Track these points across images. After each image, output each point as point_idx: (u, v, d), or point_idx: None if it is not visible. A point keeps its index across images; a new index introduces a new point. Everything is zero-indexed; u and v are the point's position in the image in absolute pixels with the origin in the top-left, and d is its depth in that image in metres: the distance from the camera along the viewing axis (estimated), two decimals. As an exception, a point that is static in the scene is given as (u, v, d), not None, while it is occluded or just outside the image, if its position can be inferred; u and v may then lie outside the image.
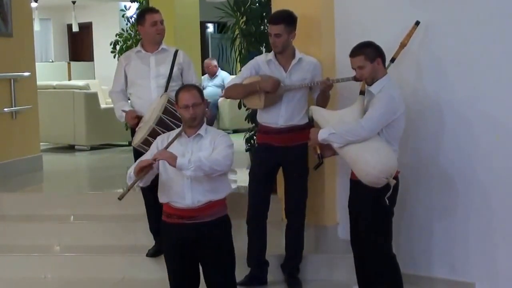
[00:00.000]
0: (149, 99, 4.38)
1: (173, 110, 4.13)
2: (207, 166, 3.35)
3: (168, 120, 4.12)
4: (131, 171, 3.44)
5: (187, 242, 3.47)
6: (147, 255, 4.65)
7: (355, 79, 3.96)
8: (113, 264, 4.73)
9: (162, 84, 4.43)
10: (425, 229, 4.38)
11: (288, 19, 4.13)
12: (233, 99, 4.57)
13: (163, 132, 4.06)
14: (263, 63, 4.25)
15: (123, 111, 4.46)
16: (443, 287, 4.32)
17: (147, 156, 3.52)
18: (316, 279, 4.48)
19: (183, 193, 3.44)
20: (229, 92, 4.29)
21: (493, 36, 4.03)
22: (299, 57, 4.21)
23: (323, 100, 4.22)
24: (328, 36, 4.65)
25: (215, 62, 10.23)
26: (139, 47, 4.57)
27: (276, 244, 4.40)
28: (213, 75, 10.04)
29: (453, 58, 4.16)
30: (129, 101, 4.63)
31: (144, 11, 4.57)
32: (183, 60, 4.55)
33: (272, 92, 4.09)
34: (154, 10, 4.52)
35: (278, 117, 4.21)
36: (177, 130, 3.62)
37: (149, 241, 4.68)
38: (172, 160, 3.32)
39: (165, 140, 3.55)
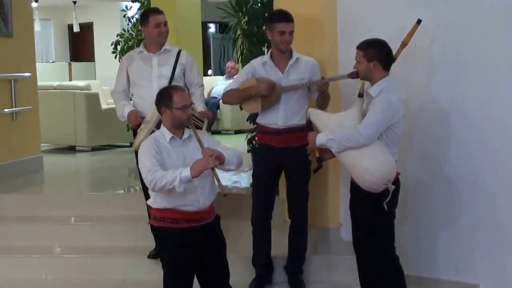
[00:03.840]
0: (151, 100, 4.31)
1: None
2: (241, 160, 3.53)
3: None
4: (180, 173, 3.23)
5: (194, 244, 3.44)
6: (148, 257, 4.63)
7: (350, 76, 3.95)
8: (114, 266, 4.72)
9: (164, 85, 4.37)
10: (429, 230, 4.34)
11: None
12: (231, 105, 4.56)
13: None
14: (259, 66, 4.21)
15: (129, 112, 4.41)
16: (447, 288, 4.30)
17: (150, 161, 3.33)
18: (319, 280, 4.46)
19: (196, 196, 3.41)
20: (226, 97, 4.29)
21: (507, 37, 3.95)
22: (297, 57, 4.19)
23: (323, 100, 4.19)
24: (331, 36, 4.63)
25: (237, 66, 10.42)
26: (141, 48, 4.54)
27: (279, 245, 4.38)
28: (231, 76, 10.10)
29: (464, 60, 4.08)
30: (131, 101, 4.60)
31: (148, 12, 4.52)
32: (186, 61, 4.53)
33: (267, 95, 4.08)
34: (158, 11, 4.47)
35: (277, 118, 4.18)
36: (158, 133, 3.50)
37: (150, 243, 4.63)
38: (222, 158, 3.39)
39: (157, 145, 3.39)
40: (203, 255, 3.49)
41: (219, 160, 3.35)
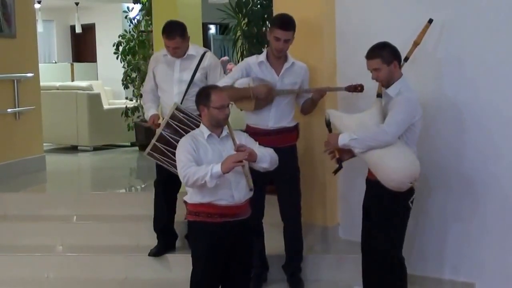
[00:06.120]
0: (171, 104, 4.33)
1: (181, 117, 4.13)
2: (276, 159, 3.57)
3: (176, 125, 4.10)
4: (211, 168, 3.29)
5: (227, 239, 3.47)
6: (149, 255, 4.66)
7: (348, 89, 4.01)
8: (115, 264, 4.74)
9: (183, 90, 4.41)
10: (435, 231, 4.27)
11: (295, 25, 4.12)
12: None
13: (169, 137, 4.06)
14: (254, 65, 4.22)
15: (151, 116, 4.49)
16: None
17: (185, 157, 3.39)
18: (317, 279, 4.48)
19: (231, 191, 3.45)
20: None
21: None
22: (292, 61, 4.21)
23: (311, 107, 4.23)
24: (329, 40, 4.63)
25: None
26: (166, 51, 4.51)
27: (276, 245, 4.40)
28: None
29: (473, 58, 4.04)
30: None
31: (163, 30, 4.42)
32: (209, 63, 4.50)
33: (265, 99, 4.11)
34: (168, 36, 4.37)
35: (268, 119, 4.20)
36: (197, 131, 3.57)
37: (152, 241, 4.69)
38: (254, 155, 3.43)
39: (195, 142, 3.45)
40: (232, 251, 3.51)
41: (251, 157, 3.38)
